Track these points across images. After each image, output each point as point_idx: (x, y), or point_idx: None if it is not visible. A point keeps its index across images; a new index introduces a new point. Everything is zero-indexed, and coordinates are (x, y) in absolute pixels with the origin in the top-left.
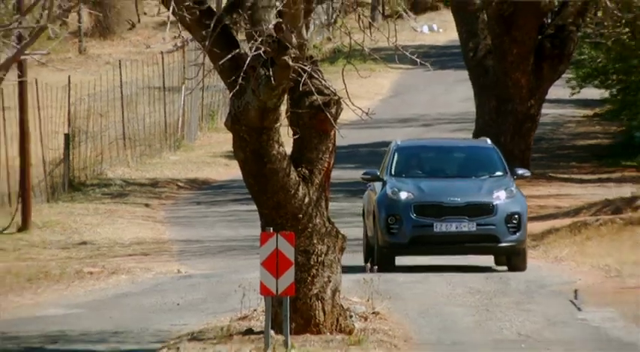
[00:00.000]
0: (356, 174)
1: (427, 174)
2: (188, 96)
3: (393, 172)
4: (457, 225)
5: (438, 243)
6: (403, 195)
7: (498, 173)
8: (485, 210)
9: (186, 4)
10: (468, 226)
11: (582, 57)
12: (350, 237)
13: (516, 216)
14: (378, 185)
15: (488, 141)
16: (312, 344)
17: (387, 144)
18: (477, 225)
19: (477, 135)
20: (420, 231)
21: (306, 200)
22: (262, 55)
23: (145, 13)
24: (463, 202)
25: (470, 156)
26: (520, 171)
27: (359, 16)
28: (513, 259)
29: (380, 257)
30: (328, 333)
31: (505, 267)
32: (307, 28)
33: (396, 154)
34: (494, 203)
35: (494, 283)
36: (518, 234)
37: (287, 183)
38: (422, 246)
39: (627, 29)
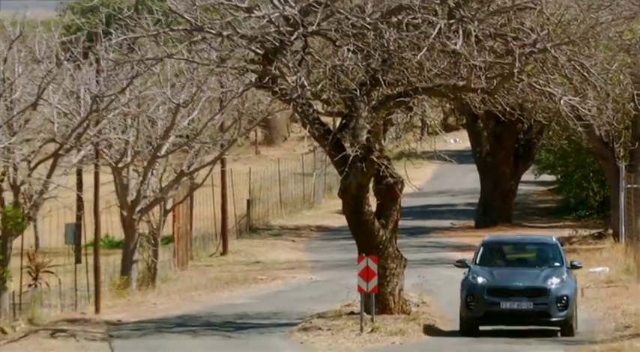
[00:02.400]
0: (413, 223)
1: (502, 263)
2: (317, 178)
3: (477, 261)
4: (518, 304)
5: (504, 316)
6: (479, 280)
7: (556, 264)
8: (541, 292)
9: (315, 126)
10: (526, 305)
11: (540, 157)
12: (409, 259)
13: (565, 298)
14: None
15: (554, 238)
16: (387, 320)
17: (431, 206)
18: (534, 304)
19: (481, 201)
20: (491, 307)
21: (384, 237)
22: (359, 155)
23: (292, 131)
24: (523, 286)
25: (537, 249)
26: (575, 263)
27: (414, 133)
28: (562, 329)
29: (462, 326)
30: (396, 314)
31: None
32: (384, 139)
33: (482, 248)
34: (548, 287)
35: None
36: (565, 311)
37: (373, 228)
38: (492, 318)
39: (566, 141)
